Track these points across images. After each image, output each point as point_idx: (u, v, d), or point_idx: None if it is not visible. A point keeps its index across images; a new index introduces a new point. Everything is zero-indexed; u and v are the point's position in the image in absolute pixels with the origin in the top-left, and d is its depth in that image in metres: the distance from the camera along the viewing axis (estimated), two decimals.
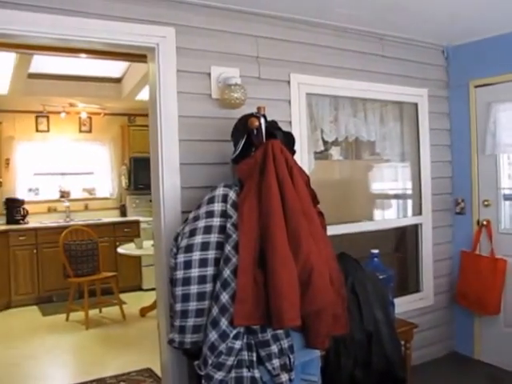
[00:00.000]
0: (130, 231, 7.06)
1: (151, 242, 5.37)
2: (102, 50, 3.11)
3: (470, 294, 3.97)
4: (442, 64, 4.21)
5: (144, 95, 5.63)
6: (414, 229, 4.13)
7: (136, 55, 3.14)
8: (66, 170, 7.45)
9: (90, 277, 5.59)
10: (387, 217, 4.21)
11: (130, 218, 7.50)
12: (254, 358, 2.30)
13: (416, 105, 4.04)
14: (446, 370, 3.94)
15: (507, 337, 3.89)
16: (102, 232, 6.58)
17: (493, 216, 3.97)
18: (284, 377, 2.29)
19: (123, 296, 6.15)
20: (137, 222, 7.21)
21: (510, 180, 4.00)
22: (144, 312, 5.72)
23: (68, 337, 5.08)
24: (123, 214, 7.67)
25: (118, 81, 6.50)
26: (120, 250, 5.89)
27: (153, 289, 4.81)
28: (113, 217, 7.51)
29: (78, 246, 5.61)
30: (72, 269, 5.53)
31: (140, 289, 6.96)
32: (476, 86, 4.02)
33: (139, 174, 7.37)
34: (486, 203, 4.01)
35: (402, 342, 3.22)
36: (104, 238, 6.59)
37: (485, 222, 3.99)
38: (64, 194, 7.38)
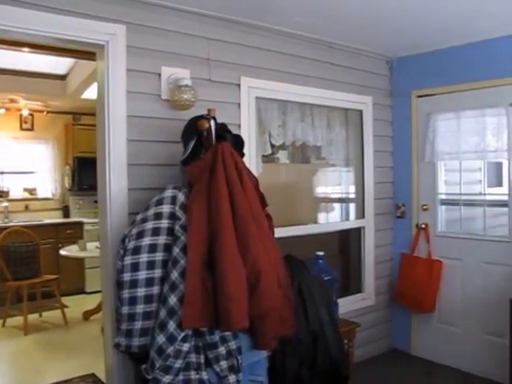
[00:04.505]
0: (73, 233, 6.88)
1: (96, 244, 5.27)
2: (47, 44, 3.02)
3: (408, 293, 4.16)
4: (386, 74, 4.38)
5: (90, 93, 5.50)
6: (357, 232, 4.27)
7: (83, 52, 3.09)
8: (4, 169, 7.16)
9: (30, 280, 5.38)
10: (331, 220, 4.31)
11: (73, 219, 7.31)
12: (202, 361, 2.30)
13: (361, 112, 4.18)
14: (386, 366, 4.11)
15: (440, 332, 4.13)
16: (43, 233, 6.37)
17: (430, 220, 4.18)
18: (232, 378, 2.31)
19: (65, 299, 5.98)
20: (80, 224, 7.05)
21: (447, 186, 4.22)
22: (87, 315, 5.58)
23: (5, 343, 4.86)
24: (66, 215, 7.46)
25: (62, 78, 6.30)
26: (62, 251, 5.70)
27: (97, 291, 4.72)
28: (55, 218, 7.29)
29: (17, 248, 5.40)
30: (10, 272, 5.32)
31: (83, 291, 6.79)
32: (418, 96, 4.22)
33: (83, 175, 7.22)
34: (424, 207, 4.21)
35: (345, 341, 3.31)
36: (46, 240, 6.39)
37: (423, 226, 4.19)
38: (2, 194, 7.09)
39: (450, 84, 3.97)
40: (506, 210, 3.80)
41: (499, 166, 4.16)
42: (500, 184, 4.13)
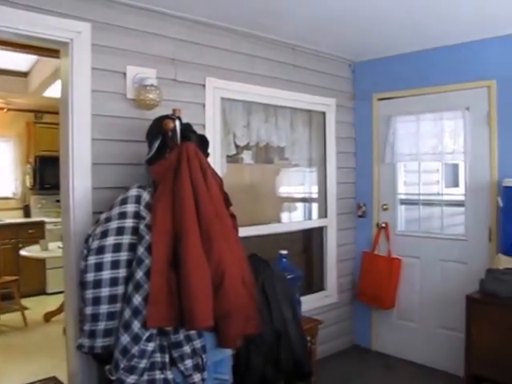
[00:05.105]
0: (35, 232, 6.74)
1: (58, 244, 5.19)
2: (9, 40, 2.96)
3: (369, 290, 4.27)
4: (349, 77, 4.48)
5: (53, 91, 5.40)
6: (320, 231, 4.34)
7: (46, 49, 3.04)
8: None
9: None
10: (295, 219, 4.37)
11: (35, 218, 7.16)
12: (167, 360, 2.31)
13: (324, 113, 4.26)
14: (347, 362, 4.21)
15: (400, 328, 4.25)
16: (3, 233, 6.25)
17: (390, 219, 4.30)
18: (197, 377, 2.33)
19: (25, 301, 5.85)
20: (42, 223, 6.91)
21: (406, 186, 4.35)
22: (49, 317, 5.47)
23: None
24: (27, 214, 7.29)
25: (24, 75, 6.17)
26: (23, 252, 5.58)
27: (58, 292, 4.63)
28: (15, 217, 7.11)
29: None
30: None
31: (44, 293, 6.65)
32: (379, 99, 4.33)
33: (45, 174, 7.10)
34: (384, 207, 4.32)
35: (308, 338, 3.37)
36: (5, 240, 6.26)
37: (383, 225, 4.31)
38: None
39: (409, 88, 4.10)
40: (462, 209, 3.94)
41: (456, 167, 4.32)
42: (457, 185, 4.28)
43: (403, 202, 4.33)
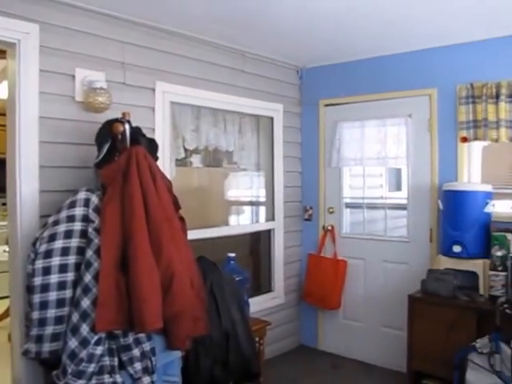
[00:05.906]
0: None
1: (3, 248, 5.01)
2: None
3: (315, 291, 4.38)
4: (297, 83, 4.58)
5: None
6: (268, 233, 4.42)
7: None
8: None
9: None
10: (243, 222, 4.43)
11: None
12: (116, 363, 2.31)
13: (272, 119, 4.34)
14: (295, 361, 4.30)
15: (345, 328, 4.39)
16: None
17: (336, 222, 4.42)
18: (146, 380, 2.34)
19: None
20: None
21: (351, 190, 4.48)
22: None
23: None
24: None
25: None
26: None
27: (3, 297, 4.46)
28: None
29: None
30: None
31: None
32: (325, 105, 4.45)
33: None
34: (330, 210, 4.45)
35: (257, 339, 3.42)
36: None
37: (329, 227, 4.43)
38: None
39: (354, 94, 4.24)
40: (404, 212, 4.10)
41: (399, 171, 4.48)
42: (399, 188, 4.45)
43: (348, 206, 4.46)
